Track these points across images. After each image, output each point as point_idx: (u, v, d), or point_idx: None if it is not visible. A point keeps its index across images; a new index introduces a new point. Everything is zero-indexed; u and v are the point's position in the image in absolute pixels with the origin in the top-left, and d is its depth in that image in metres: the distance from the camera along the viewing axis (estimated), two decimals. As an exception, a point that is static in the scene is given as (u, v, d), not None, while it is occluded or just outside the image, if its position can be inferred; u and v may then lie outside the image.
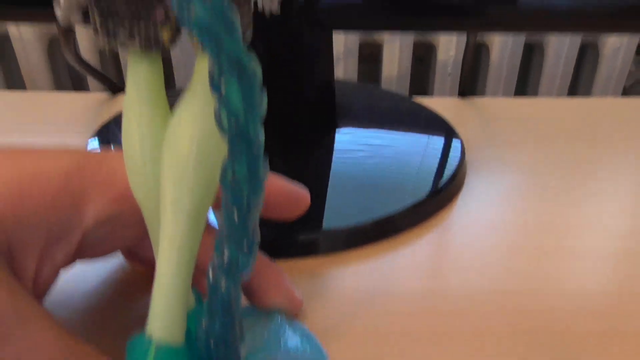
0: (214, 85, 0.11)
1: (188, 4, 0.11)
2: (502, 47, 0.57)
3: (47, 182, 0.16)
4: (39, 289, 0.17)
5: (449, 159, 0.33)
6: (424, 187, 0.30)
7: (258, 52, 0.12)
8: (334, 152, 0.33)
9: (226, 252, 0.14)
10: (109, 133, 0.35)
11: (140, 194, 0.15)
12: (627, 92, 0.63)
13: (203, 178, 0.14)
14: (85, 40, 0.59)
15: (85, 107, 0.40)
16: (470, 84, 0.40)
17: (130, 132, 0.15)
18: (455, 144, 0.34)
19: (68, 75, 0.64)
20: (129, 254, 0.21)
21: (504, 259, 0.26)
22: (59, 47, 0.56)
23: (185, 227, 0.15)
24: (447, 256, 0.26)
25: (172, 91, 0.26)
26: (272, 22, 0.21)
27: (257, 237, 0.14)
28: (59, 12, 0.14)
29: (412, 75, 0.60)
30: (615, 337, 0.22)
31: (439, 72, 0.57)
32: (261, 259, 0.21)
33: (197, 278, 0.16)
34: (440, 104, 0.40)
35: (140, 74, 0.16)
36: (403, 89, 0.60)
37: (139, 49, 0.16)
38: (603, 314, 0.23)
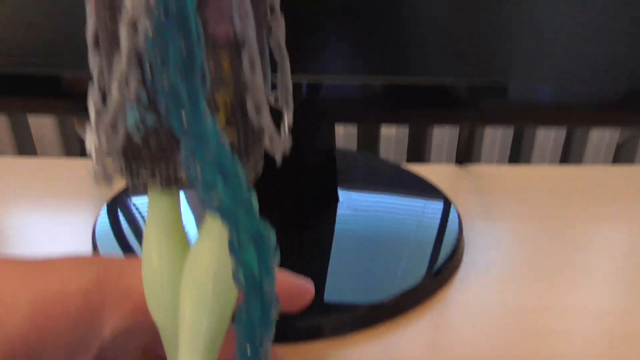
0: (233, 250, 0.13)
1: (212, 190, 0.13)
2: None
3: (69, 301, 0.17)
4: None
5: (447, 235, 0.34)
6: (424, 267, 0.31)
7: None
8: (335, 230, 0.34)
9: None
10: (119, 204, 0.37)
11: (158, 317, 0.17)
12: (620, 148, 0.65)
13: (219, 305, 0.16)
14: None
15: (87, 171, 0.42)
16: (466, 151, 0.42)
17: (150, 260, 0.16)
18: (453, 218, 0.35)
19: (77, 141, 0.66)
20: (145, 352, 0.22)
21: (501, 340, 0.27)
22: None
23: (202, 350, 0.16)
24: (447, 336, 0.27)
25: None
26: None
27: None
28: (95, 165, 0.16)
29: (410, 132, 0.62)
30: None
31: (436, 137, 0.59)
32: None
33: None
34: (438, 171, 0.42)
35: (160, 208, 0.18)
36: (402, 145, 0.62)
37: (160, 187, 0.17)
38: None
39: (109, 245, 0.33)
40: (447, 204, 0.37)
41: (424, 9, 0.27)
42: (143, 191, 0.20)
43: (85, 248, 0.34)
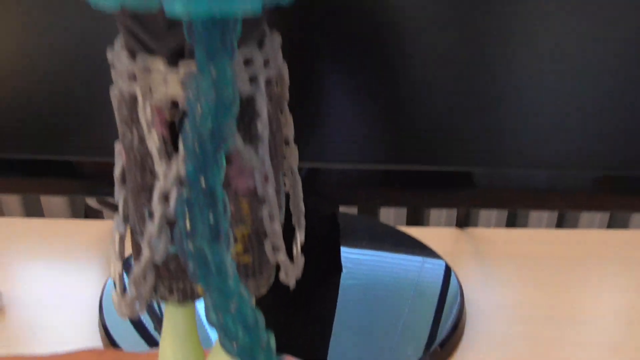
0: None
1: (234, 339, 0.14)
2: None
3: None
4: None
5: (449, 305, 0.35)
6: (427, 341, 0.32)
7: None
8: (337, 304, 0.35)
9: None
10: (125, 268, 0.38)
11: None
12: (614, 214, 0.66)
13: None
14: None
15: (102, 235, 0.43)
16: (466, 215, 0.43)
17: None
18: (454, 286, 0.37)
19: (83, 203, 0.67)
20: None
21: None
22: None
23: None
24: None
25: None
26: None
27: None
28: (122, 305, 0.17)
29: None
30: None
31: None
32: None
33: None
34: (439, 235, 0.43)
35: (176, 319, 0.19)
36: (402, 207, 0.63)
37: (177, 302, 0.19)
38: None
39: (117, 321, 0.34)
40: (448, 272, 0.38)
41: (423, 100, 0.29)
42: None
43: (92, 317, 0.35)
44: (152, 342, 0.33)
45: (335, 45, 0.28)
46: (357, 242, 0.42)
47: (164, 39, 0.15)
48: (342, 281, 0.37)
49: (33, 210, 0.57)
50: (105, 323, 0.34)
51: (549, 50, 0.28)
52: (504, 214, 0.59)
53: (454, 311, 0.34)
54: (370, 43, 0.28)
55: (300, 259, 0.21)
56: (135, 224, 0.19)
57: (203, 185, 0.15)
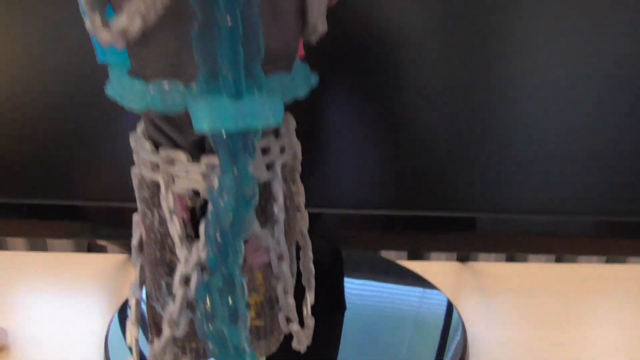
0: None
1: None
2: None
3: None
4: None
5: (450, 344, 0.36)
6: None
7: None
8: (339, 344, 0.36)
9: None
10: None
11: None
12: None
13: None
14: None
15: (105, 268, 0.44)
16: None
17: None
18: (456, 324, 0.38)
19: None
20: None
21: None
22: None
23: None
24: None
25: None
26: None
27: None
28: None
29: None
30: None
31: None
32: None
33: None
34: (440, 269, 0.44)
35: None
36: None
37: None
38: None
39: (122, 358, 0.35)
40: (450, 307, 0.39)
41: (425, 146, 0.30)
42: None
43: (97, 355, 0.36)
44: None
45: (337, 92, 0.29)
46: (358, 276, 0.43)
47: (187, 132, 0.16)
48: (346, 322, 0.38)
49: (36, 244, 0.57)
50: (111, 361, 0.35)
51: (549, 98, 0.29)
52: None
53: (456, 347, 0.35)
54: (372, 90, 0.29)
55: (310, 321, 0.21)
56: (151, 290, 0.20)
57: (223, 271, 0.16)
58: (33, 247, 0.50)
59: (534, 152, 0.30)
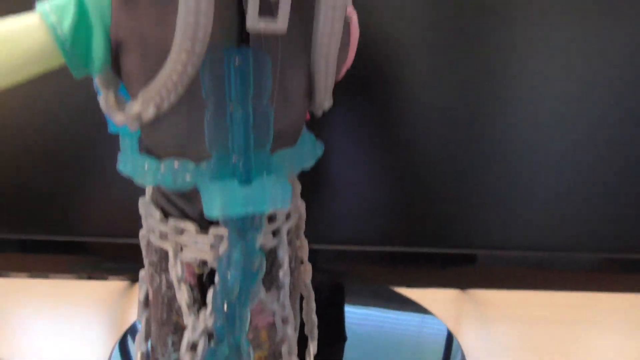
0: None
1: None
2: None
3: None
4: None
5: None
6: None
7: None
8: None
9: None
10: (132, 334, 0.39)
11: None
12: None
13: None
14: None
15: (106, 295, 0.44)
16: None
17: None
18: (456, 353, 0.38)
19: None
20: None
21: None
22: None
23: None
24: None
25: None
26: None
27: None
28: None
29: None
30: None
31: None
32: None
33: None
34: (440, 296, 0.44)
35: None
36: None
37: None
38: None
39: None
40: (450, 337, 0.40)
41: (426, 185, 0.30)
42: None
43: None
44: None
45: (338, 130, 0.29)
46: (358, 303, 0.43)
47: (196, 203, 0.16)
48: (346, 354, 0.38)
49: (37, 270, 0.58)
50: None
51: (548, 137, 0.29)
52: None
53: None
54: (373, 129, 0.29)
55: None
56: (157, 345, 0.20)
57: (230, 340, 0.16)
58: (33, 274, 0.51)
59: (537, 191, 0.31)
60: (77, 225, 0.33)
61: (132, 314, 0.43)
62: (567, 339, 0.41)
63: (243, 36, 0.14)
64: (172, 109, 0.14)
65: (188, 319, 0.17)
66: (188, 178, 0.15)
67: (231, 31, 0.14)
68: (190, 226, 0.16)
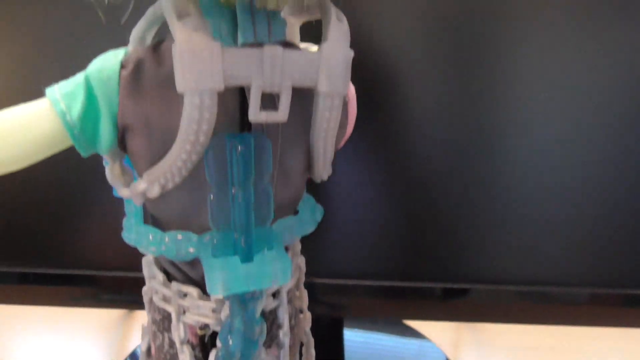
0: None
1: None
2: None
3: None
4: None
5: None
6: None
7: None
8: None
9: None
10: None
11: None
12: None
13: None
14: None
15: (102, 323, 0.44)
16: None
17: None
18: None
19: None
20: None
21: None
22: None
23: None
24: None
25: None
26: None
27: None
28: None
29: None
30: None
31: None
32: None
33: None
34: (440, 328, 0.45)
35: None
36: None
37: None
38: None
39: None
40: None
41: (422, 220, 0.31)
42: None
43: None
44: None
45: (338, 170, 0.30)
46: (356, 328, 0.44)
47: (198, 267, 0.17)
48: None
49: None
50: None
51: (543, 172, 0.30)
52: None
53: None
54: (370, 167, 0.30)
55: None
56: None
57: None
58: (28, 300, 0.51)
59: (533, 227, 0.31)
60: (76, 259, 0.33)
61: (131, 341, 0.44)
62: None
63: (245, 123, 0.15)
64: (176, 187, 0.15)
65: (191, 380, 0.18)
66: (191, 250, 0.16)
67: (234, 120, 0.14)
68: (193, 291, 0.17)
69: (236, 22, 0.14)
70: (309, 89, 0.15)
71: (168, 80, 0.14)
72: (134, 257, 0.32)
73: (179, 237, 0.16)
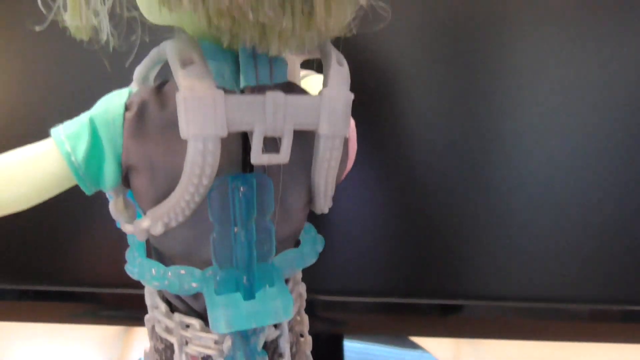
0: None
1: None
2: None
3: None
4: None
5: None
6: None
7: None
8: None
9: None
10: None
11: None
12: None
13: None
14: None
15: (101, 339, 0.45)
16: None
17: None
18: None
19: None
20: None
21: None
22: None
23: None
24: None
25: None
26: None
27: None
28: None
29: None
30: None
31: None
32: None
33: None
34: (441, 344, 0.45)
35: None
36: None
37: None
38: None
39: None
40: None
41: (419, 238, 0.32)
42: None
43: None
44: None
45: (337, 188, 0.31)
46: (355, 339, 0.44)
47: (201, 299, 0.17)
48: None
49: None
50: None
51: (541, 188, 0.30)
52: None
53: None
54: (369, 185, 0.30)
55: None
56: None
57: None
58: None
59: (530, 243, 0.32)
60: (75, 276, 0.34)
61: (131, 358, 0.44)
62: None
63: (247, 164, 0.15)
64: (179, 225, 0.15)
65: (193, 409, 0.18)
66: (194, 285, 0.16)
67: (236, 162, 0.15)
68: (195, 322, 0.17)
69: (238, 65, 0.15)
70: (309, 133, 0.15)
71: (171, 123, 0.14)
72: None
73: (182, 272, 0.16)
